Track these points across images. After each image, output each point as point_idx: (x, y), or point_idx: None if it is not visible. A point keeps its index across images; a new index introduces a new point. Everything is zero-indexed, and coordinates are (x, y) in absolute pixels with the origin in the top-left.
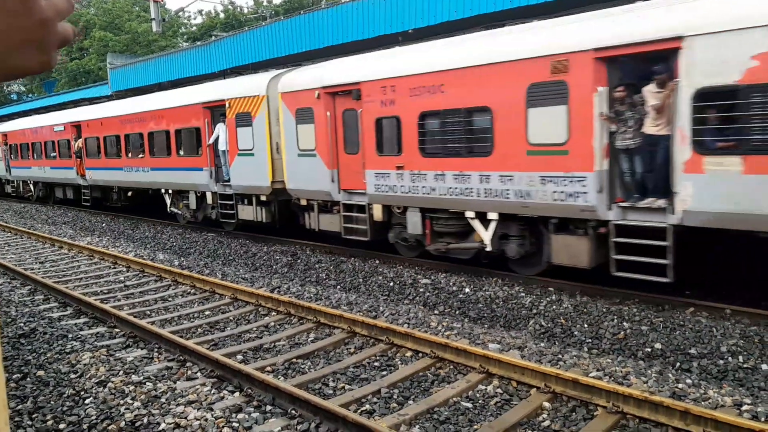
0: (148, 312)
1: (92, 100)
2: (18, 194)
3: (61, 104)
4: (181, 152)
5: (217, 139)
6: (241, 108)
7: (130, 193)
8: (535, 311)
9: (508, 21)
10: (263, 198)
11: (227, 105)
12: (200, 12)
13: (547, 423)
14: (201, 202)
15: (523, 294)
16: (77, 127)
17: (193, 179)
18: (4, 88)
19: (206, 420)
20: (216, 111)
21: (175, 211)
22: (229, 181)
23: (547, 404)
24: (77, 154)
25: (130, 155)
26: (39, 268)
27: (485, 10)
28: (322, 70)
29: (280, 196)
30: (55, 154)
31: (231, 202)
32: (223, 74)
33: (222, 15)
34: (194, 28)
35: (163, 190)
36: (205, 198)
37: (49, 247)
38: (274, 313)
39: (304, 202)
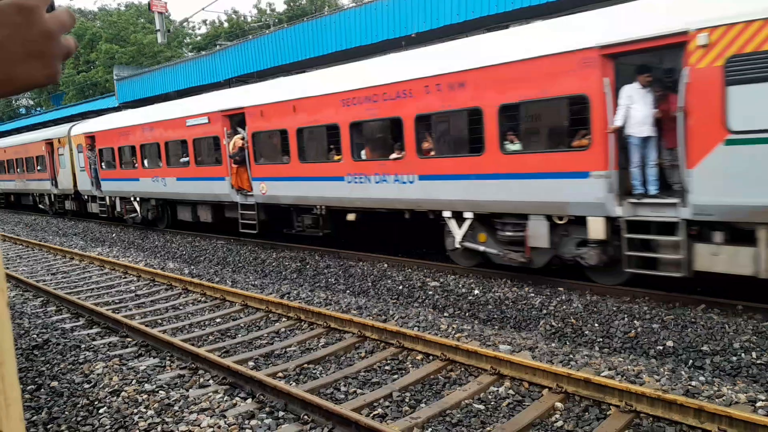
0: (160, 321)
1: (99, 113)
2: (110, 215)
3: (69, 117)
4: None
5: None
6: None
7: (352, 216)
8: (545, 311)
9: (510, 23)
10: None
11: None
12: (204, 22)
13: (560, 423)
14: None
15: (532, 294)
16: (232, 117)
17: None
18: (13, 102)
19: (219, 427)
20: None
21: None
22: None
23: (559, 404)
24: (239, 157)
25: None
26: (51, 280)
27: (487, 12)
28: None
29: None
30: (187, 158)
31: None
32: (229, 83)
33: (226, 24)
34: (199, 38)
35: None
36: None
37: (61, 259)
38: (284, 319)
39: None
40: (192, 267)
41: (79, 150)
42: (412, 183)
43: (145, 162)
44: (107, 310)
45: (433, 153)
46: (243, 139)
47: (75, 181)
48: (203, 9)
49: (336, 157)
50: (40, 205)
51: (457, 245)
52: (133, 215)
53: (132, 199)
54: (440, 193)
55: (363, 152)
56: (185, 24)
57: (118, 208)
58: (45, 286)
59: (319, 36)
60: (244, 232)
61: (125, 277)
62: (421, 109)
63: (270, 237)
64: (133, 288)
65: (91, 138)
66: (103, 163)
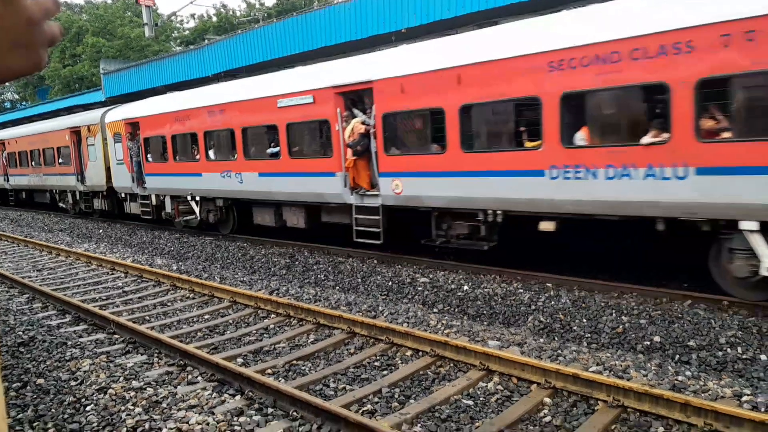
0: (148, 317)
1: (86, 107)
2: (154, 217)
3: (55, 111)
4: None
5: None
6: None
7: (549, 226)
8: (533, 307)
9: (500, 18)
10: None
11: None
12: (193, 16)
13: (548, 418)
14: None
15: (521, 290)
16: (348, 95)
17: None
18: None
19: (208, 424)
20: None
21: None
22: None
23: (547, 400)
24: (360, 146)
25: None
26: (37, 276)
27: (477, 8)
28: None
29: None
30: (277, 149)
31: None
32: (218, 78)
33: (215, 18)
34: (187, 32)
35: None
36: None
37: (47, 255)
38: (273, 316)
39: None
40: (180, 263)
41: (116, 139)
42: (683, 179)
43: (211, 153)
44: (94, 306)
45: (727, 135)
46: (365, 123)
47: (108, 177)
48: (191, 2)
49: (530, 144)
50: (61, 204)
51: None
52: (188, 218)
53: (189, 198)
54: (741, 192)
55: (579, 135)
56: (173, 18)
57: (168, 209)
58: (31, 283)
59: (308, 31)
60: (361, 242)
61: (112, 274)
62: (709, 69)
63: (394, 248)
64: (120, 284)
65: (132, 125)
66: (149, 155)
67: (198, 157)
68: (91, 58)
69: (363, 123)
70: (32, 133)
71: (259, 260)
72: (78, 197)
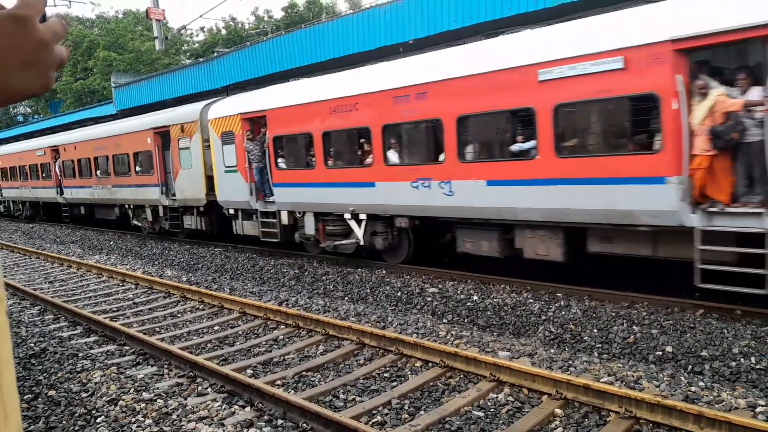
0: (158, 329)
1: (97, 120)
2: (282, 239)
3: (67, 124)
4: None
5: None
6: None
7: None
8: (544, 318)
9: (507, 29)
10: None
11: None
12: (202, 29)
13: (559, 430)
14: None
15: (531, 300)
16: (691, 53)
17: None
18: (11, 110)
19: None
20: None
21: None
22: None
23: (559, 411)
24: (728, 135)
25: None
26: (48, 288)
27: (485, 18)
28: None
29: None
30: (530, 144)
31: None
32: (227, 90)
33: (224, 31)
34: (196, 45)
35: None
36: None
37: (58, 267)
38: (282, 327)
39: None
40: (190, 274)
41: (225, 140)
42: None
43: (392, 155)
44: (105, 318)
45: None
46: (735, 97)
47: (210, 188)
48: (201, 16)
49: (367, 161)
50: (135, 222)
51: None
52: (341, 242)
53: (348, 216)
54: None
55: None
56: (183, 31)
57: (309, 230)
58: (42, 295)
59: (316, 43)
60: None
61: (123, 285)
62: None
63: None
64: (131, 296)
65: (253, 121)
66: (280, 160)
67: (370, 160)
68: (103, 71)
69: (728, 96)
70: (98, 136)
71: (268, 271)
72: (161, 213)
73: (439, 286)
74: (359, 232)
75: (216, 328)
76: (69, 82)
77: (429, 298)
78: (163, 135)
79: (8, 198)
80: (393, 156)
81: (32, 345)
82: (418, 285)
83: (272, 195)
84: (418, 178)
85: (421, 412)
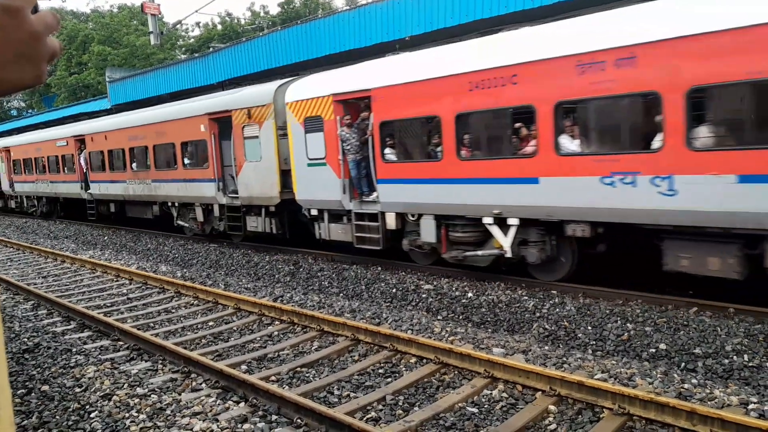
0: (152, 324)
1: (92, 115)
2: (383, 247)
3: (61, 119)
4: None
5: None
6: None
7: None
8: (538, 314)
9: (503, 27)
10: None
11: None
12: (198, 24)
13: (553, 426)
14: None
15: (526, 297)
16: None
17: None
18: (4, 104)
19: (212, 431)
20: None
21: None
22: None
23: (552, 407)
24: None
25: None
26: (42, 283)
27: (481, 15)
28: None
29: None
30: None
31: None
32: (222, 86)
33: (219, 27)
34: (192, 40)
35: None
36: None
37: (52, 262)
38: (277, 323)
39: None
40: (184, 270)
41: (308, 128)
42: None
43: (568, 143)
44: (99, 313)
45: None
46: None
47: (284, 184)
48: (196, 11)
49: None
50: (180, 222)
51: None
52: (472, 253)
53: (489, 221)
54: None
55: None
56: (178, 26)
57: (426, 237)
58: (36, 290)
59: (312, 39)
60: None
61: (117, 281)
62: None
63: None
64: (125, 291)
65: (351, 103)
66: (386, 150)
67: (531, 149)
68: (97, 66)
69: None
70: (134, 124)
71: (263, 267)
72: (216, 213)
73: (434, 282)
74: (505, 240)
75: (210, 323)
76: (63, 76)
77: (424, 295)
78: (220, 122)
79: (21, 193)
80: (569, 143)
81: (25, 340)
82: (413, 282)
83: (372, 193)
84: (613, 172)
85: (416, 408)
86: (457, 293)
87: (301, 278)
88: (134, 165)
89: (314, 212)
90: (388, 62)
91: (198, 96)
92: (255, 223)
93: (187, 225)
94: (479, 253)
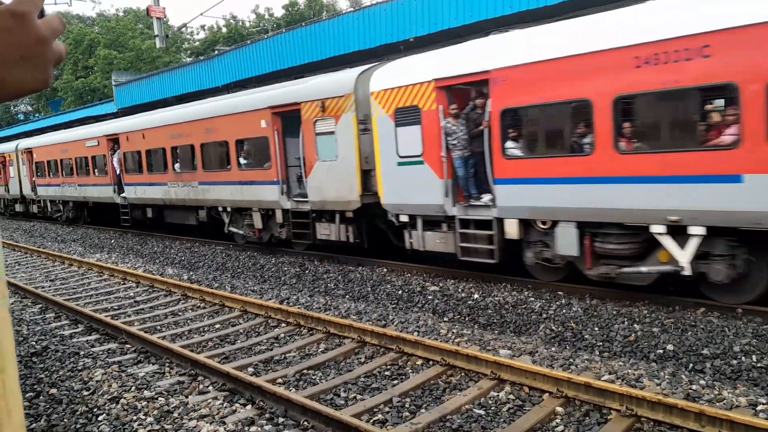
0: (159, 327)
1: (98, 119)
2: (496, 260)
3: (68, 123)
4: None
5: None
6: None
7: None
8: (545, 316)
9: (509, 27)
10: None
11: None
12: (203, 27)
13: (560, 428)
14: None
15: (532, 299)
16: None
17: None
18: (11, 108)
19: None
20: None
21: None
22: None
23: (560, 409)
24: None
25: None
26: (50, 286)
27: (485, 16)
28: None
29: None
30: None
31: None
32: (227, 88)
33: (224, 29)
34: (197, 43)
35: None
36: None
37: (59, 265)
38: (283, 325)
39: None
40: (191, 273)
41: (399, 120)
42: None
43: None
44: (106, 316)
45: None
46: None
47: (366, 186)
48: (202, 14)
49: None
50: (232, 229)
51: None
52: (633, 269)
53: (662, 228)
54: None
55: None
56: (183, 29)
57: (567, 248)
58: (44, 293)
59: (317, 41)
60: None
61: (124, 284)
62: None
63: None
64: (132, 294)
65: (452, 90)
66: (510, 144)
67: (730, 139)
68: (103, 70)
69: None
70: (177, 120)
71: (269, 269)
72: (279, 219)
73: (440, 284)
74: (682, 254)
75: (217, 326)
76: (70, 80)
77: (430, 297)
78: (284, 116)
79: (44, 197)
80: None
81: (33, 343)
82: (419, 283)
83: (483, 196)
84: None
85: (422, 411)
86: (463, 295)
87: (307, 280)
88: (177, 166)
89: (404, 218)
90: (513, 38)
91: (204, 98)
92: (327, 231)
93: (241, 232)
94: (643, 269)
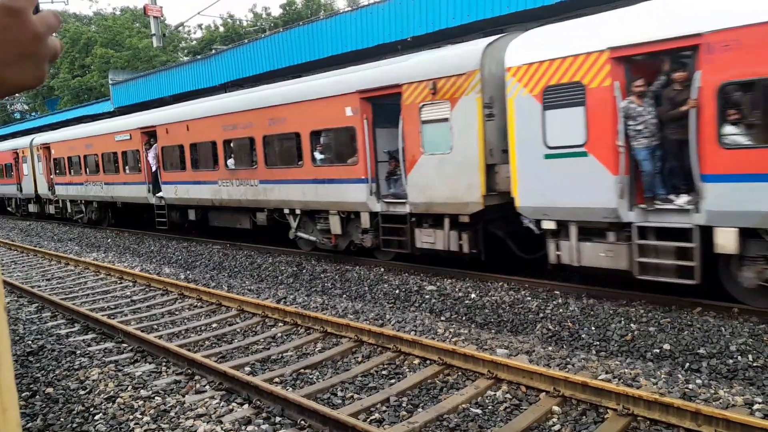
0: (156, 326)
1: (95, 117)
2: None
3: (64, 122)
4: None
5: None
6: None
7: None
8: (541, 315)
9: (506, 26)
10: None
11: None
12: (200, 26)
13: (557, 427)
14: None
15: (529, 298)
16: None
17: None
18: (8, 106)
19: None
20: None
21: None
22: None
23: (556, 408)
24: None
25: None
26: (46, 286)
27: (483, 16)
28: None
29: None
30: None
31: None
32: (224, 87)
33: (221, 28)
34: (194, 42)
35: None
36: None
37: (56, 264)
38: (280, 324)
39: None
40: (188, 272)
41: (553, 101)
42: None
43: None
44: (102, 315)
45: None
46: None
47: (490, 185)
48: (199, 13)
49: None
50: (299, 233)
51: None
52: None
53: None
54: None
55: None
56: (181, 28)
57: None
58: (40, 292)
59: (315, 40)
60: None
61: (121, 283)
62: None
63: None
64: (128, 293)
65: (632, 63)
66: (731, 129)
67: None
68: (100, 68)
69: None
70: (229, 110)
71: (266, 269)
72: (363, 223)
73: (437, 283)
74: None
75: (214, 325)
76: (66, 79)
77: (427, 296)
78: (375, 102)
79: (63, 197)
80: None
81: (30, 342)
82: (416, 283)
83: (678, 197)
84: None
85: (419, 410)
86: (460, 294)
87: (304, 280)
88: (230, 162)
89: (548, 225)
90: None
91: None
92: (431, 238)
93: (312, 238)
94: None
